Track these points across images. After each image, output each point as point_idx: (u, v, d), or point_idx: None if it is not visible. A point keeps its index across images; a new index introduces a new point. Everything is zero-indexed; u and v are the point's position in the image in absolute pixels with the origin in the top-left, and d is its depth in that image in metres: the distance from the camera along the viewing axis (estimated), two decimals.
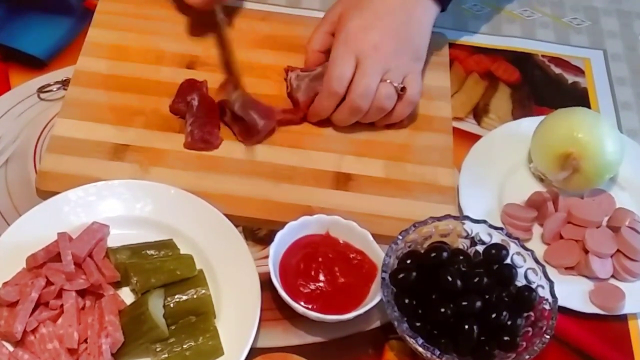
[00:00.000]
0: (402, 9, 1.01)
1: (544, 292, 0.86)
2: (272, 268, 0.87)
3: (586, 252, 0.94)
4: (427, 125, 1.06)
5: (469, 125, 1.09)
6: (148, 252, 0.89)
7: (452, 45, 1.16)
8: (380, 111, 1.00)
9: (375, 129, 1.04)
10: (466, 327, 0.82)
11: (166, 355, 0.83)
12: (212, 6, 1.06)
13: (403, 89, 0.99)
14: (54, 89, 1.06)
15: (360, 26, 0.99)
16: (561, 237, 0.96)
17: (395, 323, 0.83)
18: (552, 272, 0.92)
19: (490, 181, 1.01)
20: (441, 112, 1.07)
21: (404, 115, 1.02)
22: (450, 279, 0.84)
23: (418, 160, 1.02)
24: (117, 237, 0.91)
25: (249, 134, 1.00)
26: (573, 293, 0.92)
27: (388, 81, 0.98)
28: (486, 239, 0.90)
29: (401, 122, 1.04)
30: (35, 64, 1.08)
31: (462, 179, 1.00)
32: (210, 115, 1.01)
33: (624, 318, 0.93)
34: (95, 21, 1.11)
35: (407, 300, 0.85)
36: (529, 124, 1.04)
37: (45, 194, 0.94)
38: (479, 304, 0.83)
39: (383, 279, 0.85)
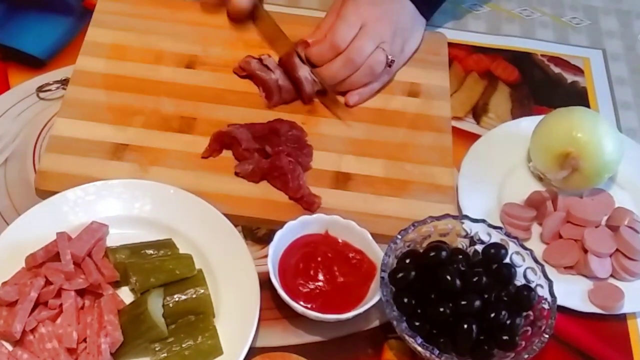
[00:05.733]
0: (401, 5, 1.11)
1: (543, 292, 0.86)
2: (272, 267, 0.87)
3: (585, 251, 0.94)
4: (427, 124, 1.06)
5: (468, 125, 1.09)
6: (147, 251, 0.89)
7: (451, 45, 1.16)
8: (369, 73, 1.05)
9: (374, 128, 1.04)
10: (465, 326, 0.82)
11: (165, 355, 0.83)
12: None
13: (392, 61, 1.06)
14: (53, 89, 1.06)
15: (368, 2, 1.07)
16: (560, 237, 0.96)
17: (394, 322, 0.83)
18: (551, 271, 0.92)
19: (490, 180, 1.01)
20: (440, 112, 1.07)
21: (376, 88, 1.08)
22: (449, 278, 0.84)
23: (417, 159, 1.02)
24: (116, 237, 0.91)
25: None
26: (572, 292, 0.92)
27: (383, 49, 1.05)
28: (485, 238, 0.90)
29: (400, 122, 1.05)
30: (35, 64, 1.08)
31: (462, 178, 1.00)
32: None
33: (623, 317, 0.93)
34: (95, 21, 1.11)
35: (406, 300, 0.85)
36: (528, 123, 1.04)
37: (44, 194, 0.94)
38: (478, 303, 0.83)
39: (382, 278, 0.85)
